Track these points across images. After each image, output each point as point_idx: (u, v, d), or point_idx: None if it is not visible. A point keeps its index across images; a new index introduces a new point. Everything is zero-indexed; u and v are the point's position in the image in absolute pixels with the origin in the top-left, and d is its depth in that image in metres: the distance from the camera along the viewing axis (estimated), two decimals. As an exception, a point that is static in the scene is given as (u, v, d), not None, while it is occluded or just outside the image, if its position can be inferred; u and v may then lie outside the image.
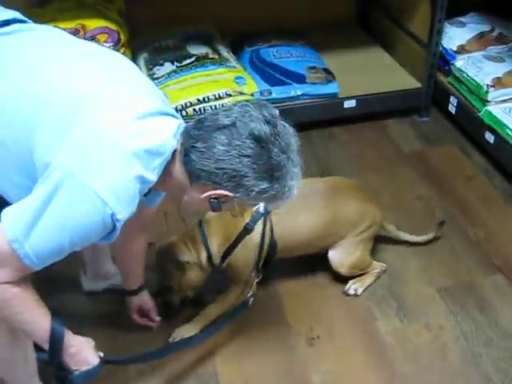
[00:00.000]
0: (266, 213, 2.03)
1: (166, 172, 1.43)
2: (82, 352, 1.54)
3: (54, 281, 2.32)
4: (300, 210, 2.10)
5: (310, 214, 2.13)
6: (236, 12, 3.52)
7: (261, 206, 2.00)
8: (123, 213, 1.34)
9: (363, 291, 2.26)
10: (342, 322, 2.18)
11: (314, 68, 3.21)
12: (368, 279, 2.29)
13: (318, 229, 2.14)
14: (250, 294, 2.06)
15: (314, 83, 3.14)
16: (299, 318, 2.20)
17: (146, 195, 1.51)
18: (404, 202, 2.73)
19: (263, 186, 1.37)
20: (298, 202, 2.08)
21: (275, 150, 1.35)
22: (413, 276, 2.35)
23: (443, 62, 3.29)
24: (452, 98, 3.18)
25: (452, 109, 3.19)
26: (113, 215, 1.32)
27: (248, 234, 2.00)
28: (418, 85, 3.31)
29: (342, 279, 2.29)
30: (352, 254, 2.22)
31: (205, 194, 1.41)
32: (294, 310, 2.23)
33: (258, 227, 2.03)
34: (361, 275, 2.28)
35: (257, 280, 2.08)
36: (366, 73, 3.40)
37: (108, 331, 2.11)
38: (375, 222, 2.27)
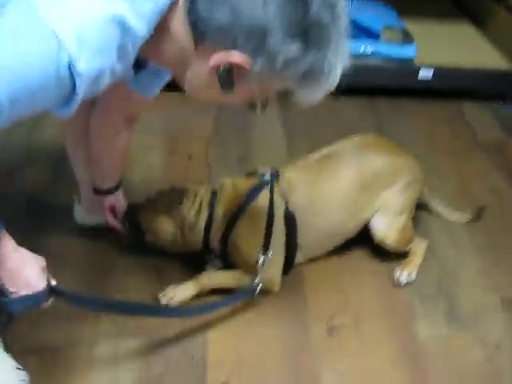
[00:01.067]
0: (275, 174, 1.69)
1: (162, 27, 1.03)
2: (24, 270, 1.16)
3: (45, 208, 2.01)
4: (321, 176, 1.74)
5: (333, 179, 1.75)
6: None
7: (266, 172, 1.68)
8: (86, 63, 0.92)
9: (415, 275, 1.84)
10: (372, 314, 1.75)
11: (390, 27, 2.76)
12: (416, 260, 1.87)
13: (349, 197, 1.76)
14: (258, 279, 1.63)
15: (388, 42, 2.68)
16: (322, 300, 1.78)
17: (136, 73, 1.13)
18: (473, 193, 2.26)
19: (293, 50, 0.97)
20: (316, 165, 1.73)
21: (316, 2, 0.94)
22: (472, 278, 1.89)
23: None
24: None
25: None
26: (71, 64, 0.91)
27: (248, 204, 1.64)
28: (509, 66, 2.80)
29: (382, 258, 1.88)
30: (397, 219, 1.80)
31: (213, 61, 1.01)
32: (317, 290, 1.81)
33: (264, 197, 1.65)
34: (405, 257, 1.87)
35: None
36: (451, 45, 2.93)
37: (95, 271, 1.80)
38: (415, 178, 1.84)
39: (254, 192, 1.67)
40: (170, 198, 1.70)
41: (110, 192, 1.76)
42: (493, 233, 2.06)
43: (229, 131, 2.51)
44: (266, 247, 1.61)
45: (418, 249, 1.88)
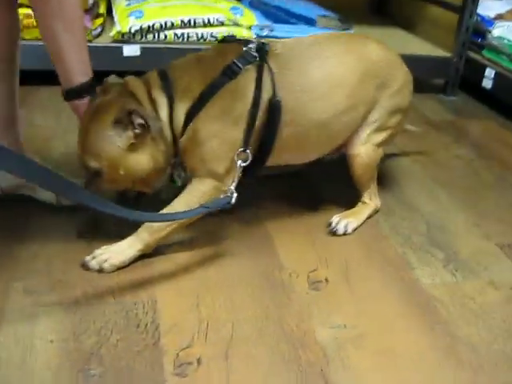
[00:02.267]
0: (263, 47, 1.33)
1: None
2: None
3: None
4: (318, 59, 1.40)
5: (334, 64, 1.41)
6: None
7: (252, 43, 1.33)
8: None
9: (354, 230, 1.53)
10: (361, 267, 1.42)
11: (325, 16, 2.62)
12: (361, 213, 1.57)
13: (347, 87, 1.41)
14: (233, 187, 1.30)
15: (325, 28, 2.52)
16: (298, 256, 1.43)
17: None
18: (441, 160, 2.05)
19: None
20: (312, 47, 1.41)
21: None
22: (462, 230, 1.63)
23: (475, 36, 2.73)
24: (488, 71, 2.60)
25: (487, 83, 2.59)
26: None
27: (231, 78, 1.27)
28: (447, 55, 2.71)
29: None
30: (379, 134, 1.51)
31: None
32: (290, 246, 1.47)
33: (249, 73, 1.30)
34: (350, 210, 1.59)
35: (242, 165, 1.32)
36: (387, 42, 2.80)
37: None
38: (406, 83, 1.56)
39: (232, 68, 1.29)
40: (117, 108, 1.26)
41: (76, 94, 1.33)
42: (470, 191, 1.83)
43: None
44: (246, 143, 1.27)
45: (368, 204, 1.59)
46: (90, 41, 2.35)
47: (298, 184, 1.77)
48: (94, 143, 1.27)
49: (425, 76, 2.83)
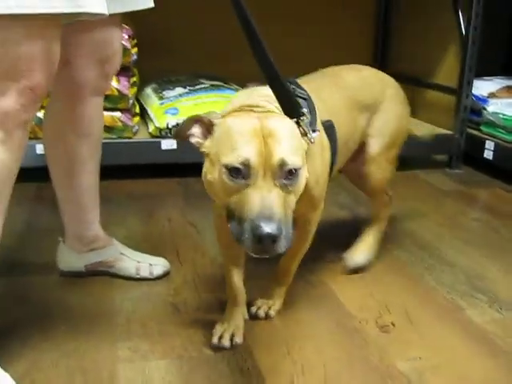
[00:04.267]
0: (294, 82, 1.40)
1: None
2: None
3: (23, 266, 1.77)
4: (325, 90, 1.53)
5: (335, 92, 1.57)
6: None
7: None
8: None
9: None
10: (418, 311, 1.61)
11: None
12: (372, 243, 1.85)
13: (350, 108, 1.59)
14: None
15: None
16: (360, 305, 1.62)
17: None
18: (462, 223, 2.29)
19: None
20: (317, 82, 1.55)
21: None
22: (497, 276, 1.83)
23: (472, 114, 3.06)
24: (488, 143, 2.89)
25: (489, 154, 2.88)
26: None
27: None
28: (449, 132, 3.02)
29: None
30: (389, 147, 1.76)
31: None
32: (351, 297, 1.66)
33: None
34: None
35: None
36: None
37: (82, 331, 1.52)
38: (399, 91, 1.81)
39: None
40: None
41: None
42: (494, 246, 2.05)
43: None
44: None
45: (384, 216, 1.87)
46: (129, 137, 2.61)
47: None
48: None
49: (430, 153, 3.12)
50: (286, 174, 1.07)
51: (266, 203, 1.03)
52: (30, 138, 1.25)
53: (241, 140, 1.07)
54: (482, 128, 3.02)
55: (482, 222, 2.31)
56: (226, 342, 1.41)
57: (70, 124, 1.48)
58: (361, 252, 1.79)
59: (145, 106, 2.90)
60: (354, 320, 1.55)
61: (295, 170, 1.08)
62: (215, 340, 1.41)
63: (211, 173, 1.11)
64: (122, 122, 2.56)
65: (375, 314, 1.58)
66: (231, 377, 1.31)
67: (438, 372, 1.34)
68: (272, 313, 1.55)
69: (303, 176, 1.13)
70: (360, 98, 1.64)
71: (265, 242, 1.01)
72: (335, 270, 1.81)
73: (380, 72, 1.81)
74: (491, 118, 2.94)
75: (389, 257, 1.92)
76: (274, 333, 1.49)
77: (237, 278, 1.47)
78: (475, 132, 3.04)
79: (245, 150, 1.06)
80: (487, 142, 2.90)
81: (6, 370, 1.24)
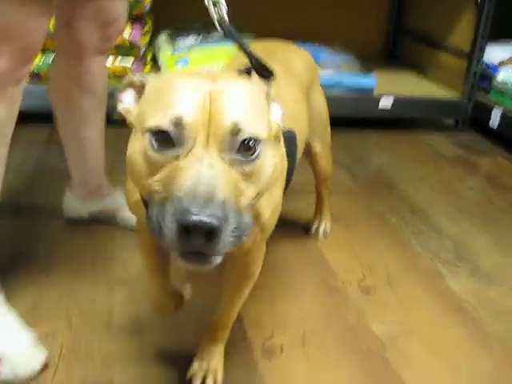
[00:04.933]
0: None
1: None
2: None
3: (30, 208, 1.85)
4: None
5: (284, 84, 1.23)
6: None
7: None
8: None
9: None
10: (401, 275, 1.70)
11: (348, 62, 2.94)
12: (328, 212, 1.88)
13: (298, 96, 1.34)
14: None
15: (349, 72, 2.84)
16: (346, 266, 1.71)
17: None
18: (457, 190, 2.34)
19: None
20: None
21: None
22: (483, 246, 1.89)
23: (482, 79, 3.06)
24: (494, 111, 2.90)
25: (494, 123, 2.90)
26: None
27: None
28: (457, 96, 3.03)
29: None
30: (327, 133, 1.64)
31: None
32: (337, 258, 1.74)
33: None
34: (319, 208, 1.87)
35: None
36: (402, 86, 3.13)
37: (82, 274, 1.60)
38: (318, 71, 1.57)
39: None
40: None
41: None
42: (486, 216, 2.11)
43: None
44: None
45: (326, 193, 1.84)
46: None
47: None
48: None
49: (436, 116, 3.14)
50: (241, 148, 0.77)
51: (204, 179, 0.72)
52: (44, 83, 1.30)
53: (175, 96, 0.77)
54: (490, 95, 3.02)
55: (478, 190, 2.36)
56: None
57: (74, 80, 1.53)
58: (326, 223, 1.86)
59: (157, 54, 2.93)
60: (337, 280, 1.64)
61: (255, 143, 0.78)
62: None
63: (133, 145, 0.81)
64: (132, 72, 2.60)
65: (359, 275, 1.67)
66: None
67: (411, 337, 1.43)
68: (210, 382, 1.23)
69: (269, 161, 0.81)
70: (306, 87, 1.42)
71: (194, 235, 0.70)
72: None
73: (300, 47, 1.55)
74: (500, 86, 2.94)
75: (380, 220, 1.99)
76: (259, 284, 1.57)
77: (163, 285, 1.23)
78: (483, 98, 3.04)
79: (178, 107, 0.76)
80: (494, 109, 2.90)
81: (12, 305, 1.34)
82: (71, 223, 1.79)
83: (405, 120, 3.04)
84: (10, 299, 1.35)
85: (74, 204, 1.75)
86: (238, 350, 1.34)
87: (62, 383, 1.21)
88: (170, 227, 0.72)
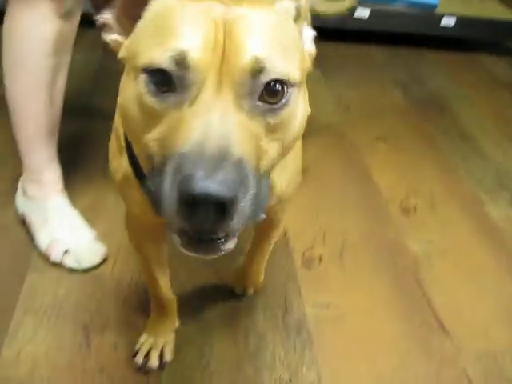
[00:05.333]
0: None
1: None
2: None
3: (93, 111, 1.95)
4: None
5: None
6: None
7: None
8: None
9: None
10: (443, 198, 1.75)
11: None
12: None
13: None
14: None
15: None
16: (392, 185, 1.77)
17: None
18: (509, 118, 2.31)
19: None
20: None
21: None
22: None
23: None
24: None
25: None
26: None
27: None
28: (523, 18, 2.90)
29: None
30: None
31: None
32: (383, 176, 1.80)
33: None
34: None
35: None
36: (467, 4, 3.00)
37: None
38: None
39: None
40: None
41: None
42: None
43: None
44: None
45: None
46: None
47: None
48: None
49: (500, 39, 3.02)
50: (265, 93, 0.60)
51: (214, 133, 0.56)
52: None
53: (179, 24, 0.60)
54: (559, 18, 2.89)
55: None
56: (154, 363, 1.14)
57: None
58: None
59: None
60: (381, 198, 1.70)
61: (283, 86, 0.61)
62: (140, 359, 1.14)
63: (125, 89, 0.65)
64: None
65: (402, 195, 1.73)
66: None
67: (445, 257, 1.50)
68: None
69: (300, 110, 0.65)
70: None
71: (200, 209, 0.53)
72: (377, 149, 1.93)
73: None
74: None
75: (429, 142, 2.01)
76: (304, 195, 1.65)
77: (163, 281, 1.08)
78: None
79: (182, 38, 0.59)
80: (562, 34, 2.79)
81: (73, 203, 1.47)
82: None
83: (466, 41, 2.95)
84: (71, 198, 1.47)
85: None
86: (278, 257, 1.44)
87: (121, 272, 1.35)
88: (169, 198, 0.55)
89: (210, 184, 0.51)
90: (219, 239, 0.59)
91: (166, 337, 1.17)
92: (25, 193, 1.43)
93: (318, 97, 2.19)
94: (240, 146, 0.55)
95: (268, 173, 0.63)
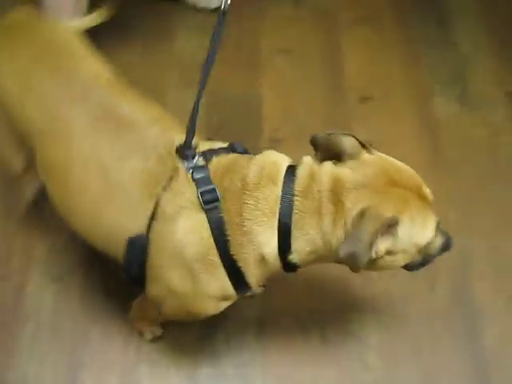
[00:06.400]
0: None
1: None
2: None
3: None
4: None
5: None
6: None
7: None
8: None
9: None
10: (399, 89, 2.04)
11: None
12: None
13: None
14: None
15: None
16: (357, 73, 2.06)
17: None
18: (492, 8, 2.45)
19: None
20: None
21: None
22: (482, 73, 2.15)
23: None
24: None
25: None
26: None
27: None
28: None
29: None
30: None
31: None
32: (354, 63, 2.09)
33: None
34: None
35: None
36: None
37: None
38: None
39: None
40: None
41: None
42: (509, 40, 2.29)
43: None
44: None
45: None
46: None
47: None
48: None
49: None
50: None
51: None
52: None
53: None
54: None
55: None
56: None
57: None
58: None
59: None
60: (343, 84, 2.01)
61: None
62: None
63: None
64: None
65: (363, 83, 2.02)
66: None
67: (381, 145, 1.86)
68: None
69: None
70: None
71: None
72: (356, 33, 2.17)
73: None
74: None
75: (404, 28, 2.23)
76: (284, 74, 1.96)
77: None
78: None
79: None
80: None
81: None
82: None
83: None
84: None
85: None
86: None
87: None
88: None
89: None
90: None
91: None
92: None
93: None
94: None
95: None
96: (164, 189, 0.99)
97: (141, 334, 1.45)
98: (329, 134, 0.99)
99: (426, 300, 1.56)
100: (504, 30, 2.35)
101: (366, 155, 0.99)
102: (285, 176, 0.99)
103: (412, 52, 2.17)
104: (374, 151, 1.01)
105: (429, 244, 0.99)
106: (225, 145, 1.08)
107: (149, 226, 1.00)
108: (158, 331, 1.42)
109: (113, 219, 1.04)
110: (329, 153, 0.99)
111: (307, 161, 1.01)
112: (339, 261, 0.94)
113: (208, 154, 1.03)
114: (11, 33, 1.19)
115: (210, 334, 1.47)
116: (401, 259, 0.99)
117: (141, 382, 1.40)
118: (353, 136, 0.99)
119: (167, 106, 1.82)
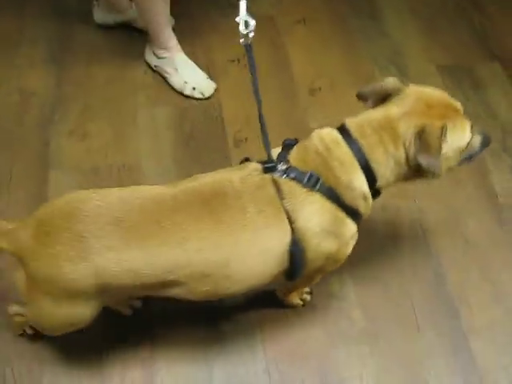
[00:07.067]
0: None
1: None
2: None
3: (65, 13, 2.36)
4: None
5: None
6: None
7: None
8: None
9: None
10: (343, 78, 2.27)
11: None
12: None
13: None
14: None
15: None
16: (304, 70, 2.28)
17: None
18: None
19: None
20: None
21: None
22: (414, 52, 2.40)
23: None
24: None
25: None
26: None
27: None
28: None
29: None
30: None
31: None
32: (300, 60, 2.31)
33: None
34: None
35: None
36: None
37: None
38: None
39: None
40: None
41: None
42: (433, 18, 2.54)
43: None
44: None
45: None
46: None
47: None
48: None
49: None
50: None
51: None
52: None
53: None
54: None
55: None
56: None
57: None
58: None
59: None
60: (293, 81, 2.22)
61: None
62: None
63: None
64: None
65: (310, 77, 2.24)
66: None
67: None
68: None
69: None
70: None
71: None
72: (297, 33, 2.39)
73: None
74: None
75: (342, 23, 2.48)
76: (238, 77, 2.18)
77: None
78: None
79: None
80: None
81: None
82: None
83: None
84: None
85: (103, 15, 2.31)
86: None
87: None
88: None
89: None
90: None
91: None
92: (156, 55, 2.14)
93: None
94: None
95: None
96: (281, 198, 1.23)
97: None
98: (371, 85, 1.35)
99: (391, 253, 1.78)
100: (428, 13, 2.60)
101: (406, 89, 1.30)
102: (341, 134, 1.29)
103: (350, 44, 2.40)
104: (409, 84, 1.32)
105: (468, 144, 1.28)
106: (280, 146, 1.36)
107: (292, 230, 1.24)
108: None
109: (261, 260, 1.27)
110: (377, 97, 1.33)
111: (349, 120, 1.32)
112: (416, 175, 1.28)
113: (281, 157, 1.30)
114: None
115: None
116: (451, 161, 1.28)
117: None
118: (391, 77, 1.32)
119: (139, 125, 2.03)
